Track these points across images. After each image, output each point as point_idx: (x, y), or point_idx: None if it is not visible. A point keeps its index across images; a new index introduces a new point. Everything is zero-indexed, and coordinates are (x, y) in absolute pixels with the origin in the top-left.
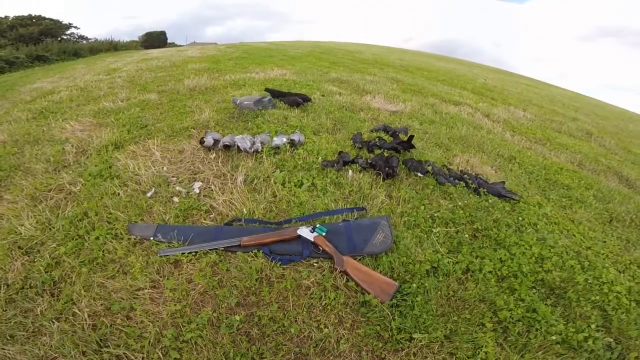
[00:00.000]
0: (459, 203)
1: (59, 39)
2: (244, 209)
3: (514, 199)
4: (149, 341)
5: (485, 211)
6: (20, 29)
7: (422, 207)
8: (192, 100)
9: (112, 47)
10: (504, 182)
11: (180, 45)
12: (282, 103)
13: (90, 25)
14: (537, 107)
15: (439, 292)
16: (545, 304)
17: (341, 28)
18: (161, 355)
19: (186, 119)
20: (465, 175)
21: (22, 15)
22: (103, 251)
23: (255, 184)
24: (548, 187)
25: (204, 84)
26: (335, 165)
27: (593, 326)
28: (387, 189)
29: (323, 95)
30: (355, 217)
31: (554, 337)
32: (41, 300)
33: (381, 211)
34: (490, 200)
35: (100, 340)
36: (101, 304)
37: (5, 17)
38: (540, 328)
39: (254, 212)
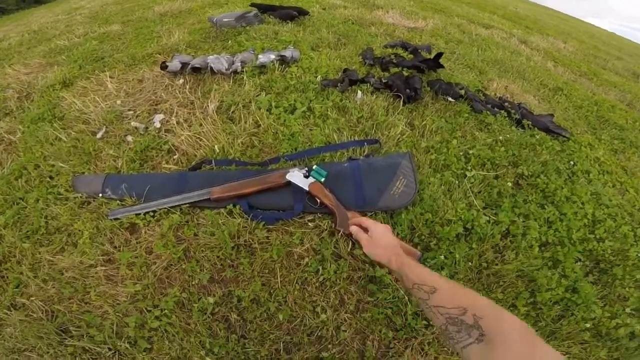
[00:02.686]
0: (500, 137)
1: None
2: (216, 147)
3: (564, 136)
4: (113, 330)
5: (531, 149)
6: None
7: (455, 141)
8: (162, 25)
9: None
10: (552, 115)
11: None
12: (272, 18)
13: None
14: (577, 41)
15: (470, 264)
16: (588, 282)
17: None
18: (128, 346)
19: (151, 45)
20: (506, 103)
21: None
22: (45, 218)
23: (232, 112)
24: (599, 126)
25: (178, 8)
26: (340, 84)
27: (628, 310)
28: (408, 115)
29: (324, 9)
30: (366, 153)
31: (587, 325)
32: None
33: (400, 145)
34: (537, 136)
35: (61, 330)
36: (52, 287)
37: None
38: (577, 313)
39: (229, 150)
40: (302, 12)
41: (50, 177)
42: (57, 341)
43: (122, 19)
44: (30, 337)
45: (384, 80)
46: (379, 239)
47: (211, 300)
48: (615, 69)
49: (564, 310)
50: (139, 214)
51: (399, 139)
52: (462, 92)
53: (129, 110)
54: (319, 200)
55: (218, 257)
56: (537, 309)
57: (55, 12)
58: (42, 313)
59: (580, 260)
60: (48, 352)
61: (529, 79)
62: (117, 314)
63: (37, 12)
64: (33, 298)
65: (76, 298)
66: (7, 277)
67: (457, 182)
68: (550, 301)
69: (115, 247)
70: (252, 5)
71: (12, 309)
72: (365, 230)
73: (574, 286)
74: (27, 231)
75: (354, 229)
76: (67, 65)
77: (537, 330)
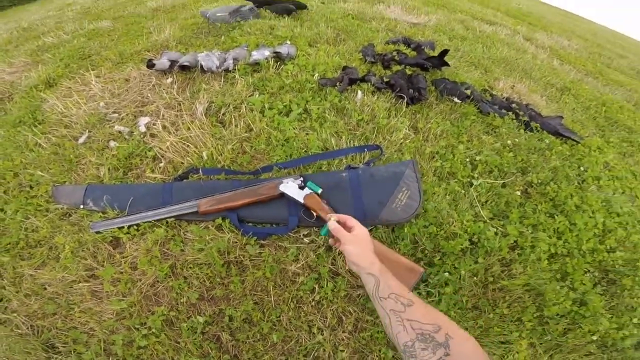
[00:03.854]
0: (508, 141)
1: None
2: (204, 153)
3: (574, 140)
4: (101, 347)
5: (540, 155)
6: None
7: (461, 146)
8: (154, 21)
9: None
10: (561, 117)
11: None
12: (269, 12)
13: None
14: (581, 38)
15: (474, 278)
16: (596, 293)
17: None
18: None
19: (140, 42)
20: (514, 105)
21: None
22: (25, 230)
23: (222, 115)
24: (608, 127)
25: (171, 2)
26: (339, 84)
27: (635, 320)
28: (412, 118)
29: (323, 2)
30: (367, 160)
31: (594, 337)
32: None
33: (403, 151)
34: (547, 140)
35: (47, 346)
36: (35, 301)
37: None
38: (585, 326)
39: (218, 157)
40: (301, 6)
41: (30, 187)
42: (44, 357)
43: (113, 14)
44: (17, 352)
45: (385, 80)
46: (363, 239)
47: (201, 319)
48: (620, 67)
49: (571, 323)
50: (122, 227)
51: (401, 143)
52: (469, 92)
53: (113, 112)
54: (315, 214)
55: (207, 274)
56: (544, 324)
57: (48, 9)
58: (28, 328)
59: (589, 271)
60: None
61: (535, 78)
62: (104, 331)
63: (31, 8)
64: (15, 314)
65: (60, 314)
66: None
67: (463, 191)
68: (558, 315)
69: (99, 262)
70: None
71: None
72: (348, 230)
73: (582, 299)
74: (7, 244)
75: (332, 224)
76: (52, 64)
77: (541, 344)
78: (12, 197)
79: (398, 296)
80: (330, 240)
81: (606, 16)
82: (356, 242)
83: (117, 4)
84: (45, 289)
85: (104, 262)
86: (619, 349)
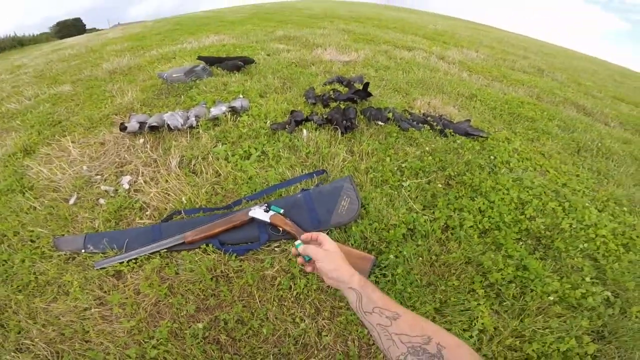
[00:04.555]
0: (426, 148)
1: None
2: (183, 198)
3: (482, 137)
4: None
5: (454, 153)
6: None
7: (388, 159)
8: (113, 83)
9: (16, 42)
10: (469, 120)
11: (102, 30)
12: (220, 69)
13: None
14: (488, 48)
15: (420, 259)
16: (535, 259)
17: None
18: None
19: (106, 106)
20: (429, 118)
21: None
22: (34, 274)
23: (193, 166)
24: (513, 121)
25: (127, 64)
26: (287, 126)
27: (587, 279)
28: (348, 144)
29: (269, 55)
30: (316, 183)
31: (551, 298)
32: None
33: (344, 171)
34: (458, 141)
35: None
36: (52, 330)
37: None
38: (536, 288)
39: (196, 199)
40: (248, 61)
41: (32, 241)
42: None
43: (71, 77)
44: None
45: (325, 116)
46: (335, 252)
47: (200, 326)
48: (522, 68)
49: (521, 287)
50: (123, 262)
51: (342, 165)
52: (390, 114)
53: (97, 174)
54: (281, 229)
55: (200, 289)
56: (496, 290)
57: None
58: (48, 353)
59: (521, 239)
60: None
61: (447, 91)
62: (118, 347)
63: None
64: (37, 340)
65: (77, 337)
66: (8, 325)
67: (396, 192)
68: (505, 280)
69: (105, 292)
70: (199, 58)
71: (18, 352)
72: (318, 245)
73: (522, 264)
74: (18, 285)
75: (301, 247)
76: (24, 130)
77: (506, 311)
78: (17, 249)
79: (382, 309)
80: (299, 260)
81: (509, 21)
82: (330, 258)
83: (71, 67)
84: (59, 319)
85: (110, 291)
86: (589, 308)
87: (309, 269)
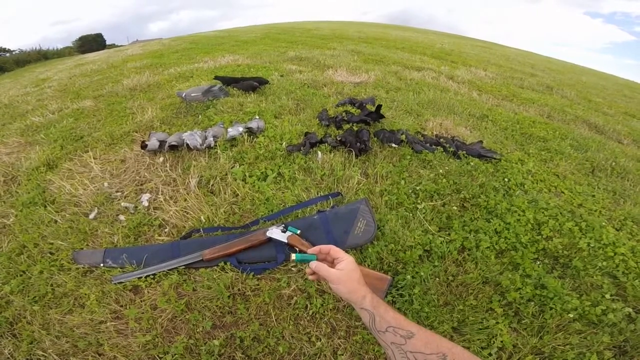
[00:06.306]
0: (440, 171)
1: None
2: (202, 217)
3: (495, 158)
4: None
5: (468, 176)
6: None
7: (403, 182)
8: (133, 100)
9: (41, 56)
10: (481, 142)
11: (121, 46)
12: (236, 89)
13: (13, 36)
14: (495, 66)
15: (437, 279)
16: (553, 277)
17: (298, 8)
18: None
19: (127, 123)
20: (442, 139)
21: None
22: (51, 285)
23: (211, 186)
24: (525, 141)
25: (146, 82)
26: (302, 148)
27: (607, 296)
28: (362, 166)
29: (282, 76)
30: (332, 205)
31: (571, 315)
32: (6, 342)
33: (359, 193)
34: (471, 163)
35: None
36: (66, 342)
37: None
38: (555, 306)
39: (214, 218)
40: (262, 82)
41: (51, 253)
42: None
43: (93, 93)
44: None
45: (338, 138)
46: (349, 272)
47: (216, 342)
48: (531, 85)
49: (540, 305)
50: (140, 277)
51: (356, 188)
52: (403, 136)
53: (117, 191)
54: (297, 249)
55: (217, 306)
56: (514, 308)
57: (23, 84)
58: None
59: (538, 259)
60: None
61: (458, 112)
62: None
63: (3, 81)
64: (50, 351)
65: (90, 350)
66: (21, 335)
67: (411, 215)
68: (523, 298)
69: (122, 306)
70: (216, 78)
71: None
72: (331, 262)
73: (540, 283)
74: (35, 297)
75: (313, 264)
76: (47, 145)
77: (525, 329)
78: (36, 260)
79: (396, 329)
80: (308, 271)
81: (511, 38)
82: (343, 280)
83: (93, 82)
84: (73, 331)
85: (126, 305)
86: (610, 324)
87: (313, 277)
